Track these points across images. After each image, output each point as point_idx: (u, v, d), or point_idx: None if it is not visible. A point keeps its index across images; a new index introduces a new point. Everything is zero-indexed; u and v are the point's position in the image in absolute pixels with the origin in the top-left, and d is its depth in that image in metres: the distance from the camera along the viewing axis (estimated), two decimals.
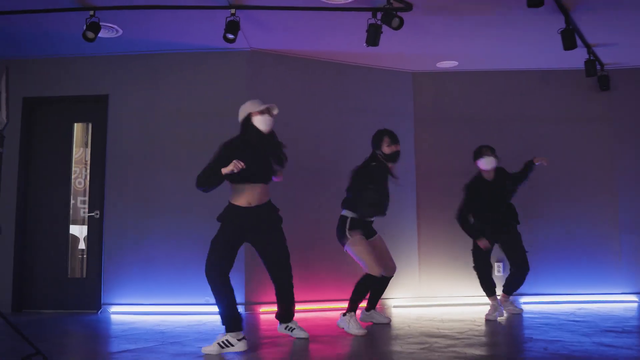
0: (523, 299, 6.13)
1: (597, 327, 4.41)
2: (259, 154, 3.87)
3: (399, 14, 4.33)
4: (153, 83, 5.88)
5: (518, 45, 5.73)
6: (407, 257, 6.22)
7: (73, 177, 5.98)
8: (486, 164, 5.11)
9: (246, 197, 3.82)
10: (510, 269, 5.29)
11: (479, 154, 5.16)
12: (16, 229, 5.74)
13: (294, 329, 4.12)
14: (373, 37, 4.51)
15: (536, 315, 5.19)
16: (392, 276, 4.82)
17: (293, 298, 4.10)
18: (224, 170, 3.62)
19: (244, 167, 3.61)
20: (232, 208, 3.84)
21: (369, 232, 4.65)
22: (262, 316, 5.46)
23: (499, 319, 5.00)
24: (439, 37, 5.51)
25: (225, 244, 3.78)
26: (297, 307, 4.30)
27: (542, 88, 6.52)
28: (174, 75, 5.88)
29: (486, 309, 5.21)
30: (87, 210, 5.91)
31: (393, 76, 6.46)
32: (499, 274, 6.21)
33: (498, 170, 5.22)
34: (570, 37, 4.62)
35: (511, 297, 5.39)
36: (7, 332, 4.12)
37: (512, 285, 5.26)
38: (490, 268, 5.20)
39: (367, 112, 6.27)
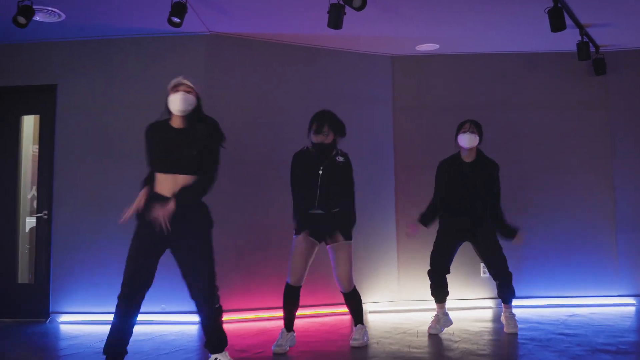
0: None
1: (589, 345, 3.95)
2: (170, 139, 3.25)
3: None
4: (104, 71, 5.37)
5: (504, 26, 5.20)
6: (385, 257, 5.77)
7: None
8: (466, 140, 4.38)
9: (160, 187, 3.24)
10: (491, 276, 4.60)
11: (460, 127, 4.47)
12: None
13: None
14: (335, 19, 4.02)
15: (523, 325, 4.69)
16: (347, 292, 4.07)
17: (217, 325, 3.34)
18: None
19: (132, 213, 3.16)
20: (152, 196, 3.23)
21: (318, 232, 3.95)
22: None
23: (445, 330, 4.54)
24: (417, 18, 4.98)
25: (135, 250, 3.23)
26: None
27: (531, 72, 6.00)
28: (127, 63, 5.37)
29: (472, 313, 4.76)
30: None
31: (370, 60, 5.94)
32: (484, 275, 5.75)
33: (481, 156, 4.49)
34: (558, 17, 4.12)
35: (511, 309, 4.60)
36: None
37: (504, 295, 4.49)
38: (445, 266, 4.50)
39: (342, 100, 5.72)
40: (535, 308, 5.57)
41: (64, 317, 5.15)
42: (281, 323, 4.06)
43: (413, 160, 5.89)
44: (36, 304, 5.26)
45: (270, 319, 5.11)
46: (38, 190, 5.45)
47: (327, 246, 4.02)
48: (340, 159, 4.00)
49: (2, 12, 4.46)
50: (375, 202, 5.68)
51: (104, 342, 3.23)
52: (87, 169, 5.30)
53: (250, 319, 5.18)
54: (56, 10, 4.65)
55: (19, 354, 4.06)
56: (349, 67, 5.87)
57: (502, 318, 4.58)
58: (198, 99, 3.37)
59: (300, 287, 3.98)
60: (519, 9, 4.71)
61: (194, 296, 3.27)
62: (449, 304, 4.67)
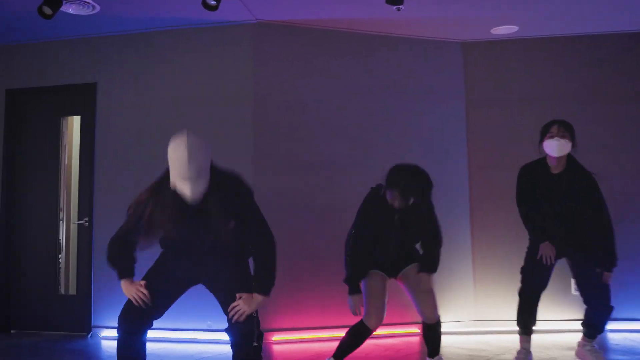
0: (609, 325, 4.82)
1: None
2: (181, 220, 2.69)
3: None
4: (146, 66, 5.00)
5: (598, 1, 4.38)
6: (459, 271, 5.05)
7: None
8: (554, 148, 3.53)
9: None
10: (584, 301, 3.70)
11: (545, 132, 3.60)
12: (0, 238, 5.07)
13: None
14: None
15: (626, 358, 3.90)
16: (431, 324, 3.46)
17: None
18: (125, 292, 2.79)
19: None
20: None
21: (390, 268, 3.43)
22: (274, 346, 4.51)
23: None
24: None
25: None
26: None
27: (632, 56, 5.10)
28: (170, 57, 4.98)
29: (560, 338, 4.03)
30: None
31: (438, 48, 5.25)
32: (576, 292, 4.91)
33: (572, 163, 3.62)
34: None
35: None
36: None
37: (591, 327, 3.63)
38: (540, 288, 3.61)
39: (405, 94, 5.13)
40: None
41: (105, 332, 4.81)
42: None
43: (490, 161, 5.15)
44: (78, 317, 4.95)
45: (324, 339, 4.54)
46: (79, 197, 5.13)
47: (397, 279, 3.44)
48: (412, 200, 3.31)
49: (34, 6, 4.14)
50: (446, 209, 4.93)
51: None
52: (127, 173, 4.92)
53: (302, 340, 4.64)
54: (89, 1, 4.30)
55: None
56: (413, 56, 5.21)
57: (579, 351, 3.73)
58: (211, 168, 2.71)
59: (374, 331, 3.39)
60: None
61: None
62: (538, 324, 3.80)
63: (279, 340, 4.60)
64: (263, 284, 2.69)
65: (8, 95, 5.20)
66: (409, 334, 4.69)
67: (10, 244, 5.15)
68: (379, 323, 3.35)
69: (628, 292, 4.85)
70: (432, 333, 3.47)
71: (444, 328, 4.87)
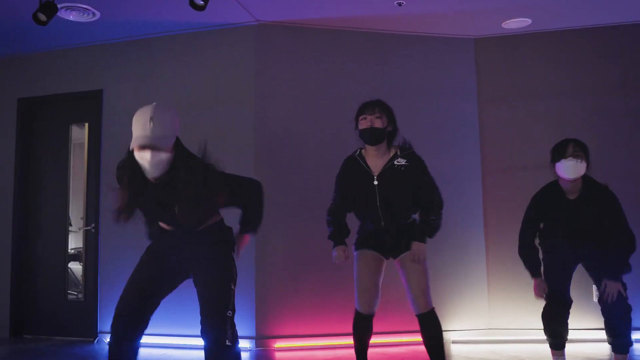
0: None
1: None
2: (152, 195, 2.59)
3: None
4: (150, 72, 5.02)
5: None
6: (472, 278, 4.85)
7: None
8: (568, 170, 3.26)
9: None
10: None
11: (558, 152, 3.32)
12: (12, 245, 5.16)
13: None
14: None
15: None
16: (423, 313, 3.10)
17: None
18: None
19: None
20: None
21: (383, 246, 3.18)
22: (277, 353, 4.41)
23: None
24: None
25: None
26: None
27: None
28: (172, 61, 4.98)
29: (583, 348, 3.76)
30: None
31: (449, 44, 5.07)
32: (597, 300, 4.62)
33: (589, 184, 3.35)
34: None
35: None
36: None
37: (614, 335, 3.31)
38: (565, 299, 3.38)
39: (417, 92, 4.97)
40: None
41: None
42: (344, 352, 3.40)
43: (504, 161, 4.94)
44: (85, 323, 4.98)
45: (327, 347, 4.41)
46: (86, 203, 5.17)
47: (395, 261, 3.16)
48: (400, 161, 3.12)
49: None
50: (459, 212, 4.79)
51: None
52: None
53: (305, 347, 4.52)
54: (89, 8, 4.34)
55: None
56: (424, 53, 5.05)
57: None
58: (176, 144, 2.56)
59: (372, 315, 3.18)
60: None
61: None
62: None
63: (282, 348, 4.50)
64: (252, 225, 2.78)
65: (19, 104, 5.31)
66: (416, 342, 4.50)
67: (23, 252, 5.24)
68: (371, 306, 3.14)
69: None
70: (427, 328, 3.09)
71: (455, 336, 4.73)
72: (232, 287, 2.60)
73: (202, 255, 2.61)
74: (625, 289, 3.28)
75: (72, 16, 4.40)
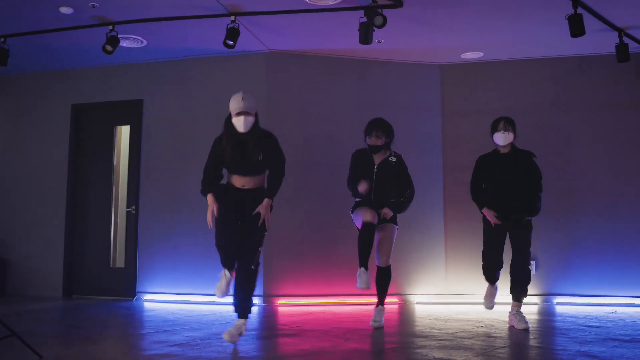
0: (558, 299, 5.85)
1: (606, 335, 4.13)
2: (238, 150, 4.00)
3: (385, 12, 4.31)
4: (181, 87, 6.26)
5: (545, 31, 5.40)
6: (433, 253, 6.15)
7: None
8: (499, 139, 4.61)
9: (234, 181, 4.10)
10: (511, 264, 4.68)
11: (493, 127, 4.69)
12: (66, 223, 6.40)
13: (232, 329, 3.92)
14: (364, 36, 4.52)
15: (556, 318, 4.95)
16: (382, 267, 4.57)
17: (245, 293, 3.96)
18: (208, 216, 3.98)
19: (216, 214, 3.94)
20: (225, 186, 4.12)
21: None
22: (279, 308, 5.66)
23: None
24: (459, 28, 5.34)
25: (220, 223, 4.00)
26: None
27: (578, 75, 6.12)
28: (200, 79, 6.22)
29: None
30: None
31: (420, 70, 6.36)
32: (533, 272, 5.94)
33: (517, 149, 4.69)
34: (577, 23, 4.33)
35: (522, 308, 4.65)
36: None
37: (513, 290, 4.57)
38: (497, 255, 4.60)
39: (393, 109, 6.19)
40: (582, 306, 5.68)
41: (147, 296, 6.06)
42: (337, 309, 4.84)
43: (461, 163, 6.11)
44: (125, 285, 6.21)
45: (321, 304, 5.70)
46: (128, 189, 6.40)
47: (375, 230, 4.48)
48: (393, 159, 4.63)
49: (96, 41, 5.41)
50: (424, 198, 6.00)
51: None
52: (166, 172, 6.20)
53: (304, 304, 5.79)
54: (139, 37, 5.57)
55: (114, 320, 5.01)
56: (400, 77, 6.33)
57: (509, 317, 4.58)
58: (255, 115, 4.06)
59: (374, 224, 4.40)
60: (560, 15, 4.77)
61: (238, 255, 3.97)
62: (499, 298, 4.85)
63: (283, 304, 5.76)
64: (271, 191, 4.02)
65: (73, 109, 6.54)
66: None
67: (74, 228, 6.47)
68: (372, 218, 4.37)
69: (572, 273, 5.87)
70: (382, 276, 4.56)
71: (418, 298, 5.99)
72: (264, 233, 4.01)
73: (253, 208, 3.96)
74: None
75: (125, 43, 5.61)
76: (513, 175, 4.58)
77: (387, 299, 5.38)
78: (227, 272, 3.97)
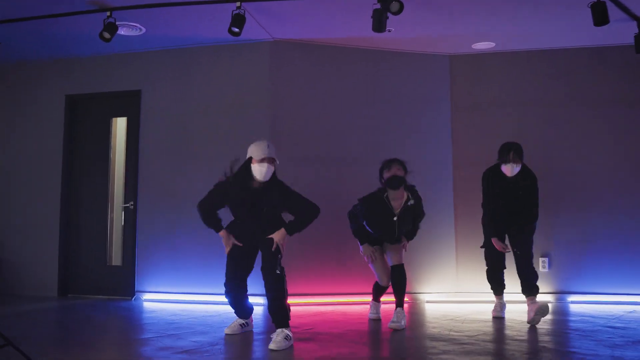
0: (572, 298, 5.68)
1: (635, 337, 3.95)
2: (249, 199, 3.88)
3: None
4: (182, 77, 5.99)
5: (561, 20, 5.19)
6: (444, 251, 5.95)
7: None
8: (508, 170, 4.62)
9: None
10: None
11: (502, 156, 4.66)
12: (61, 219, 6.11)
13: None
14: (378, 23, 4.29)
15: (574, 318, 4.78)
16: (395, 265, 4.57)
17: (279, 301, 3.92)
18: (224, 243, 4.02)
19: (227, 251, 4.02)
20: (234, 223, 4.10)
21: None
22: None
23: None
24: (471, 15, 5.11)
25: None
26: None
27: (593, 67, 5.92)
28: (201, 69, 5.95)
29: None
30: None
31: (429, 60, 6.13)
32: (543, 269, 5.79)
33: (525, 171, 4.70)
34: (600, 11, 4.12)
35: (538, 298, 4.71)
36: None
37: (525, 289, 4.65)
38: (499, 254, 4.76)
39: (402, 100, 6.03)
40: (596, 304, 5.52)
41: (146, 296, 5.81)
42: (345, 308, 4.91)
43: (471, 158, 5.99)
44: (123, 284, 5.96)
45: (330, 304, 5.47)
46: (125, 184, 6.13)
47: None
48: (411, 202, 4.48)
49: (92, 29, 5.13)
50: (433, 196, 5.83)
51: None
52: (166, 166, 5.93)
53: (312, 303, 5.57)
54: (137, 25, 5.28)
55: (112, 322, 4.76)
56: (408, 67, 6.10)
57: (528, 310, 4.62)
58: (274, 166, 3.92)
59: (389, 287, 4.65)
60: (577, 3, 4.64)
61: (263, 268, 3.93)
62: (509, 297, 5.01)
63: (291, 303, 5.51)
64: (293, 227, 3.92)
65: (67, 100, 6.25)
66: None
67: (69, 224, 6.19)
68: (389, 279, 4.58)
69: (587, 270, 5.72)
70: (397, 274, 4.47)
71: (428, 297, 5.80)
72: (281, 252, 3.95)
73: (266, 234, 3.92)
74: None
75: (123, 31, 5.33)
76: (518, 195, 4.66)
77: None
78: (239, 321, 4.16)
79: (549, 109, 5.94)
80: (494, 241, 4.69)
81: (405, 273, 4.51)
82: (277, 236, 3.87)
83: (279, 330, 3.77)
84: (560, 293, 5.75)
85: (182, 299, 5.70)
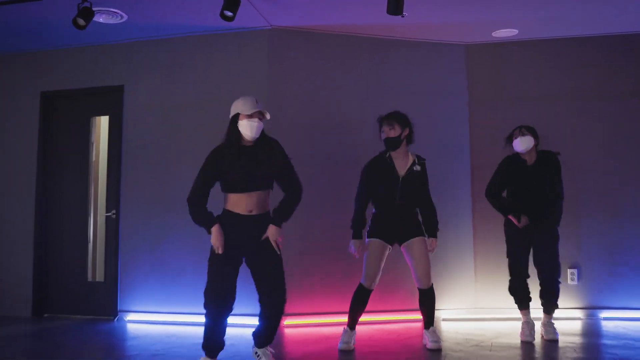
0: (604, 313, 5.10)
1: None
2: (242, 162, 3.36)
3: None
4: (169, 70, 5.39)
5: (593, 4, 4.62)
6: (461, 262, 5.35)
7: None
8: (520, 144, 4.24)
9: (237, 206, 3.39)
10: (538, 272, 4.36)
11: (509, 137, 4.40)
12: (35, 230, 5.50)
13: (261, 357, 3.57)
14: (394, 5, 3.71)
15: (614, 342, 4.18)
16: (424, 289, 4.06)
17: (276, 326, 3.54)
18: (214, 241, 3.35)
19: (221, 252, 3.33)
20: (226, 215, 3.40)
21: (391, 234, 4.05)
22: (286, 330, 4.85)
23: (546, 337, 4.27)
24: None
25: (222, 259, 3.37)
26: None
27: (625, 56, 5.33)
28: (191, 61, 5.35)
29: (559, 325, 4.40)
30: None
31: (443, 50, 5.54)
32: (572, 282, 5.21)
33: (543, 154, 4.33)
34: None
35: (553, 319, 4.36)
36: None
37: (544, 303, 4.30)
38: (524, 262, 4.34)
39: (413, 94, 5.42)
40: (634, 321, 4.95)
41: (130, 316, 5.20)
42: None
43: (491, 157, 5.30)
44: (105, 302, 5.35)
45: (333, 324, 4.86)
46: (107, 190, 5.53)
47: (401, 247, 4.06)
48: (417, 167, 4.06)
49: (68, 16, 4.51)
50: (450, 202, 5.27)
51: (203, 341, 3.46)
52: (152, 169, 5.33)
53: (312, 324, 4.97)
54: (118, 11, 4.69)
55: (87, 351, 4.15)
56: (420, 58, 5.51)
57: (541, 326, 4.34)
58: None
59: (372, 290, 4.04)
60: None
61: (264, 289, 3.43)
62: (534, 313, 4.38)
63: (290, 325, 4.94)
64: (280, 216, 3.43)
65: (43, 97, 5.63)
66: (411, 320, 5.01)
67: (45, 235, 5.57)
68: (374, 283, 4.01)
69: (621, 283, 5.14)
70: (426, 299, 4.03)
71: (444, 314, 5.22)
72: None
73: (260, 237, 3.41)
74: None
75: (102, 19, 4.74)
76: (540, 184, 4.28)
77: (412, 315, 5.01)
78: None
79: (577, 103, 5.36)
80: (511, 217, 4.29)
81: (434, 294, 4.09)
82: (274, 234, 3.40)
83: (265, 349, 3.55)
84: (591, 308, 5.18)
85: (171, 319, 5.09)
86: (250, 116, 3.34)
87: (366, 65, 5.41)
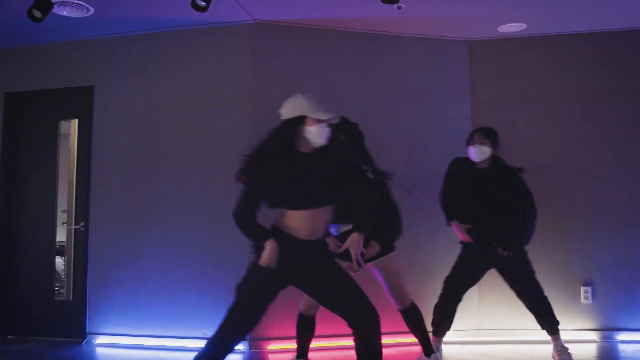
0: (621, 336, 4.65)
1: None
2: (305, 171, 2.78)
3: None
4: (143, 69, 4.92)
5: None
6: None
7: None
8: (474, 154, 3.90)
9: (297, 226, 2.73)
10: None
11: (468, 139, 4.00)
12: None
13: None
14: None
15: None
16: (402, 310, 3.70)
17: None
18: (266, 259, 2.69)
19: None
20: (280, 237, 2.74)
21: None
22: (270, 355, 4.39)
23: None
24: None
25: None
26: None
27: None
28: (168, 59, 4.89)
29: (573, 348, 3.97)
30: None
31: (443, 47, 5.09)
32: (586, 301, 4.75)
33: (499, 164, 3.94)
34: None
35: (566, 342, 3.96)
36: None
37: (543, 322, 3.91)
38: (465, 284, 3.98)
39: (410, 94, 4.99)
40: None
41: (100, 339, 4.74)
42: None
43: None
44: (73, 323, 4.89)
45: (328, 348, 4.39)
46: (75, 201, 5.07)
47: (370, 264, 3.54)
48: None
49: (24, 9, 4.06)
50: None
51: None
52: (126, 177, 4.88)
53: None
54: (83, 3, 4.23)
55: None
56: (418, 55, 5.06)
57: (553, 353, 3.92)
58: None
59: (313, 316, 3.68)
60: None
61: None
62: (541, 334, 4.02)
63: (275, 350, 4.49)
64: (363, 220, 2.81)
65: (7, 99, 5.17)
66: (406, 343, 4.56)
67: (8, 249, 5.11)
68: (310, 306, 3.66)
69: (638, 303, 4.70)
70: (412, 320, 3.62)
71: (447, 337, 4.76)
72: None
73: (326, 264, 2.82)
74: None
75: (65, 12, 4.29)
76: (489, 193, 3.85)
77: (409, 339, 4.31)
78: None
79: (588, 104, 4.93)
80: (455, 225, 3.90)
81: (418, 313, 3.66)
82: (356, 246, 2.76)
83: None
84: (607, 330, 4.73)
85: (144, 343, 4.62)
86: (319, 121, 2.86)
87: (358, 62, 4.96)
